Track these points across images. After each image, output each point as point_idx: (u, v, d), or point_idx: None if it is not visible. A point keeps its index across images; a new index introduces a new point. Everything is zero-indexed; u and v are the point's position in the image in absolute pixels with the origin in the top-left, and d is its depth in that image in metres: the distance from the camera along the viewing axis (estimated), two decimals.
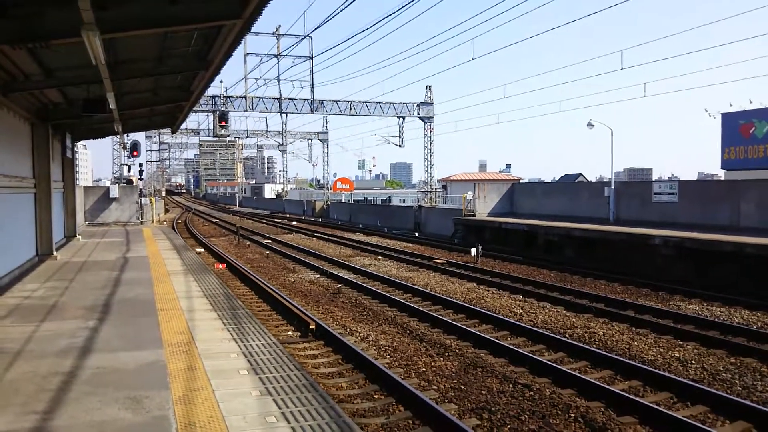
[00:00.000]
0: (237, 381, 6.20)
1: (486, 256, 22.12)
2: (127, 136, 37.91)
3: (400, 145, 46.67)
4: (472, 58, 29.50)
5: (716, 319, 12.16)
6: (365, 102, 42.14)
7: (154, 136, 66.12)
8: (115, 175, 52.54)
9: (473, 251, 21.81)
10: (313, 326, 11.04)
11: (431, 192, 45.45)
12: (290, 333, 11.25)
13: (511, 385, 8.28)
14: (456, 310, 13.38)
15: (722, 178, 46.92)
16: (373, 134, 74.48)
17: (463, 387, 8.27)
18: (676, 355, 9.82)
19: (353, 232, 35.73)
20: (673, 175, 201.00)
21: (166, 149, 75.87)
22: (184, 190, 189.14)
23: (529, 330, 11.19)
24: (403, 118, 44.69)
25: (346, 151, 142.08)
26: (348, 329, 11.64)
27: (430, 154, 45.08)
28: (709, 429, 6.58)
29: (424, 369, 9.11)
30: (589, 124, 26.79)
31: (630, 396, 7.61)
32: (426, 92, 44.00)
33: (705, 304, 13.89)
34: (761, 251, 15.13)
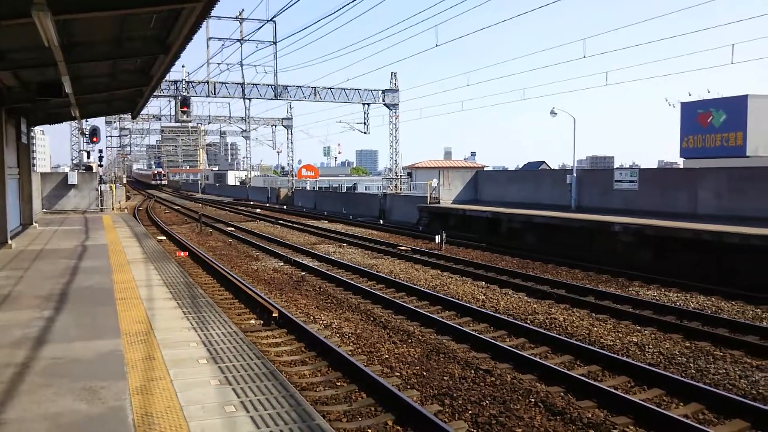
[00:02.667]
0: (196, 370, 6.12)
1: (450, 243, 22.24)
2: (86, 121, 37.00)
3: (365, 132, 46.54)
4: (437, 45, 29.55)
5: (673, 305, 12.44)
6: (330, 88, 41.90)
7: (115, 122, 64.67)
8: (74, 162, 51.29)
9: (437, 238, 21.91)
10: (276, 314, 10.97)
11: (396, 179, 45.51)
12: (253, 321, 11.16)
13: (472, 371, 8.35)
14: (419, 296, 13.44)
15: (681, 166, 47.96)
16: (338, 121, 73.80)
17: (425, 373, 8.31)
18: (635, 340, 10.02)
19: (318, 220, 35.57)
20: (634, 163, 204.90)
21: (127, 135, 74.31)
22: (166, 181, 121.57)
23: (491, 316, 11.29)
24: (369, 104, 44.59)
25: (311, 137, 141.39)
26: (311, 317, 11.60)
27: (396, 141, 45.10)
28: (663, 411, 6.73)
29: (387, 356, 9.13)
30: (552, 112, 27.06)
31: (589, 381, 7.75)
32: (391, 79, 43.92)
33: (663, 290, 14.19)
34: (715, 237, 15.51)
